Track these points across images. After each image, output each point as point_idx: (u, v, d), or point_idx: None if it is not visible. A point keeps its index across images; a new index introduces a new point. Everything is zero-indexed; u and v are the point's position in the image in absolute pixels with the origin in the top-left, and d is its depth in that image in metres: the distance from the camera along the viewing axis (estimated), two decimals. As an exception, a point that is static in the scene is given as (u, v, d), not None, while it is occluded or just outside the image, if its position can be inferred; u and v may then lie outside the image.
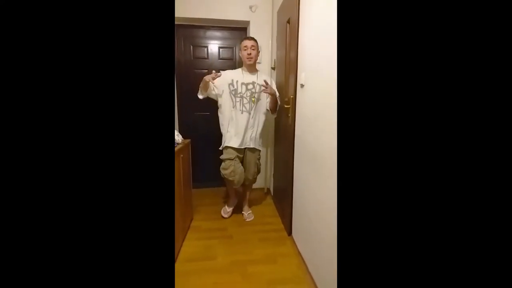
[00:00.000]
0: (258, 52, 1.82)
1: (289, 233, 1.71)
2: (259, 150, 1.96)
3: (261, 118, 1.89)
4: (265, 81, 1.68)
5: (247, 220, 1.98)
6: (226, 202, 2.13)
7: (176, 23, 2.33)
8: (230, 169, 1.81)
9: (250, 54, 1.77)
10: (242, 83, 1.80)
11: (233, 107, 1.81)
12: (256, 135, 1.88)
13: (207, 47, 2.45)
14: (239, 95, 1.80)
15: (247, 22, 2.31)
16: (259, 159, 1.99)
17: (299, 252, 1.50)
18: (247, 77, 1.82)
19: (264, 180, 2.53)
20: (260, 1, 2.25)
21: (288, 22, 1.66)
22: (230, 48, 2.48)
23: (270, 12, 2.26)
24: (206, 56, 2.47)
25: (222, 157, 1.86)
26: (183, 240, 1.66)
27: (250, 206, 2.13)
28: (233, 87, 1.79)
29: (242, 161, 1.90)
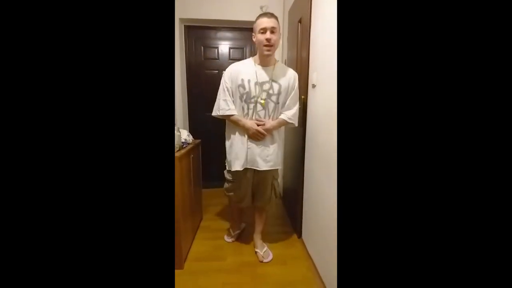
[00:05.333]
0: (279, 37, 1.24)
1: (299, 235, 1.69)
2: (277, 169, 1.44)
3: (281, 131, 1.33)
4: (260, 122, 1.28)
5: (264, 261, 1.45)
6: (230, 226, 1.75)
7: (187, 24, 2.36)
8: (236, 193, 1.49)
9: (270, 39, 1.19)
10: (256, 83, 1.26)
11: (245, 116, 1.32)
12: (275, 152, 1.37)
13: (217, 47, 2.47)
14: (252, 100, 1.28)
15: (258, 22, 2.31)
16: (277, 178, 1.48)
17: (309, 255, 1.48)
18: (262, 74, 1.28)
19: (273, 181, 2.52)
20: (271, 0, 2.24)
21: (300, 21, 1.64)
22: (241, 48, 2.49)
23: (281, 12, 2.25)
24: (216, 57, 2.48)
25: (226, 176, 1.51)
26: (192, 240, 1.67)
27: (264, 232, 1.59)
28: (244, 89, 1.27)
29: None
